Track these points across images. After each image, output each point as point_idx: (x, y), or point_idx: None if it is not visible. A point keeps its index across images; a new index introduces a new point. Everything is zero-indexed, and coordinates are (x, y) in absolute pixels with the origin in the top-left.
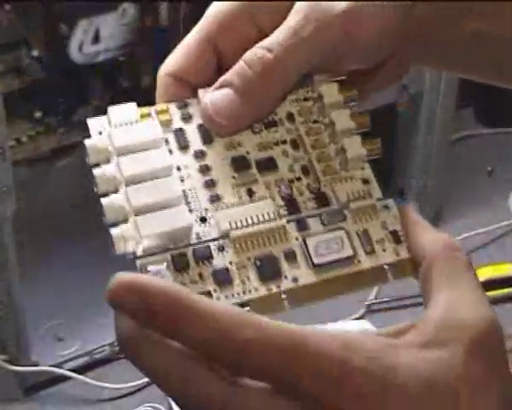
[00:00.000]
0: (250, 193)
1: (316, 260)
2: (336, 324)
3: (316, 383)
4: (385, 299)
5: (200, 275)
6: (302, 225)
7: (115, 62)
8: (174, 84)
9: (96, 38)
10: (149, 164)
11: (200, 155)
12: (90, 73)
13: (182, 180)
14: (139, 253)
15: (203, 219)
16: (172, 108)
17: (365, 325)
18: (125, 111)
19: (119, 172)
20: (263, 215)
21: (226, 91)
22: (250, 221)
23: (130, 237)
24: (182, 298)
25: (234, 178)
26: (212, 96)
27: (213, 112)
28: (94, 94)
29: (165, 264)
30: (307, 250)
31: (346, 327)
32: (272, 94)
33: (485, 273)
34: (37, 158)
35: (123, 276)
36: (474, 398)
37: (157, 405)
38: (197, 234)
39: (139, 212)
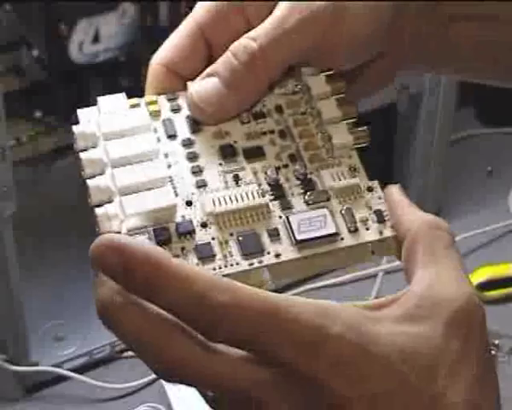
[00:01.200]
0: (236, 179)
1: (298, 237)
2: None
3: (291, 350)
4: None
5: (183, 249)
6: (286, 205)
7: (115, 62)
8: (165, 75)
9: (96, 38)
10: (136, 148)
11: (187, 142)
12: (90, 73)
13: (169, 166)
14: (123, 232)
15: (189, 203)
16: (162, 99)
17: None
18: (115, 101)
19: (105, 154)
20: (247, 198)
21: (212, 80)
22: (235, 202)
23: (115, 216)
24: (160, 259)
25: (221, 165)
26: (198, 85)
27: (198, 99)
28: (94, 94)
29: (146, 235)
30: (290, 227)
31: None
32: (257, 83)
33: (485, 273)
34: (37, 158)
35: (105, 235)
36: (451, 371)
37: (157, 405)
38: (182, 216)
39: (124, 192)
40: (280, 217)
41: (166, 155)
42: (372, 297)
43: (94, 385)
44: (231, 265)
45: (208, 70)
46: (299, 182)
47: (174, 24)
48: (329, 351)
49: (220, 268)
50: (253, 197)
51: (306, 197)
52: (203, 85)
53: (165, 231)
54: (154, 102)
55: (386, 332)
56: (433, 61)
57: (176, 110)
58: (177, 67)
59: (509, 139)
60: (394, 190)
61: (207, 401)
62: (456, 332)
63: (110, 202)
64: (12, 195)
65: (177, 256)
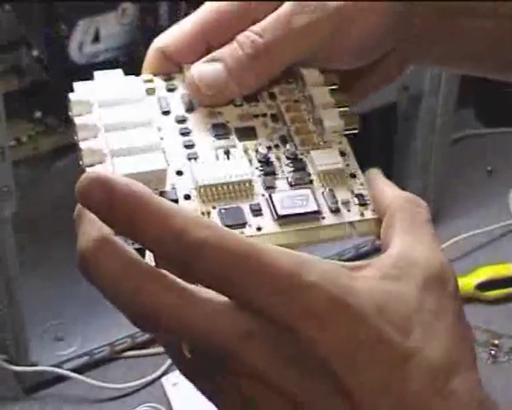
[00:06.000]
0: (227, 154)
1: (280, 212)
2: None
3: (266, 293)
4: None
5: None
6: (269, 184)
7: (115, 62)
8: (162, 60)
9: (96, 38)
10: (129, 115)
11: (181, 118)
12: (90, 73)
13: (161, 139)
14: None
15: (179, 173)
16: (158, 79)
17: None
18: (112, 76)
19: (99, 120)
20: (238, 172)
21: (215, 65)
22: (224, 176)
23: None
24: (144, 194)
25: (213, 141)
26: (200, 67)
27: (199, 80)
28: None
29: None
30: (272, 203)
31: None
32: (258, 77)
33: (485, 273)
34: (37, 158)
35: (92, 172)
36: (427, 329)
37: (157, 405)
38: (172, 185)
39: (116, 154)
40: (263, 195)
41: (159, 129)
42: None
43: (94, 385)
44: None
45: (214, 54)
46: (289, 161)
47: (174, 24)
48: (303, 298)
49: None
50: (243, 171)
51: (290, 179)
52: (206, 68)
53: None
54: (151, 80)
55: (362, 287)
56: (440, 56)
57: (171, 90)
58: (175, 55)
59: (509, 139)
60: (375, 172)
61: (181, 369)
62: (430, 293)
63: (102, 163)
64: (12, 195)
65: None
